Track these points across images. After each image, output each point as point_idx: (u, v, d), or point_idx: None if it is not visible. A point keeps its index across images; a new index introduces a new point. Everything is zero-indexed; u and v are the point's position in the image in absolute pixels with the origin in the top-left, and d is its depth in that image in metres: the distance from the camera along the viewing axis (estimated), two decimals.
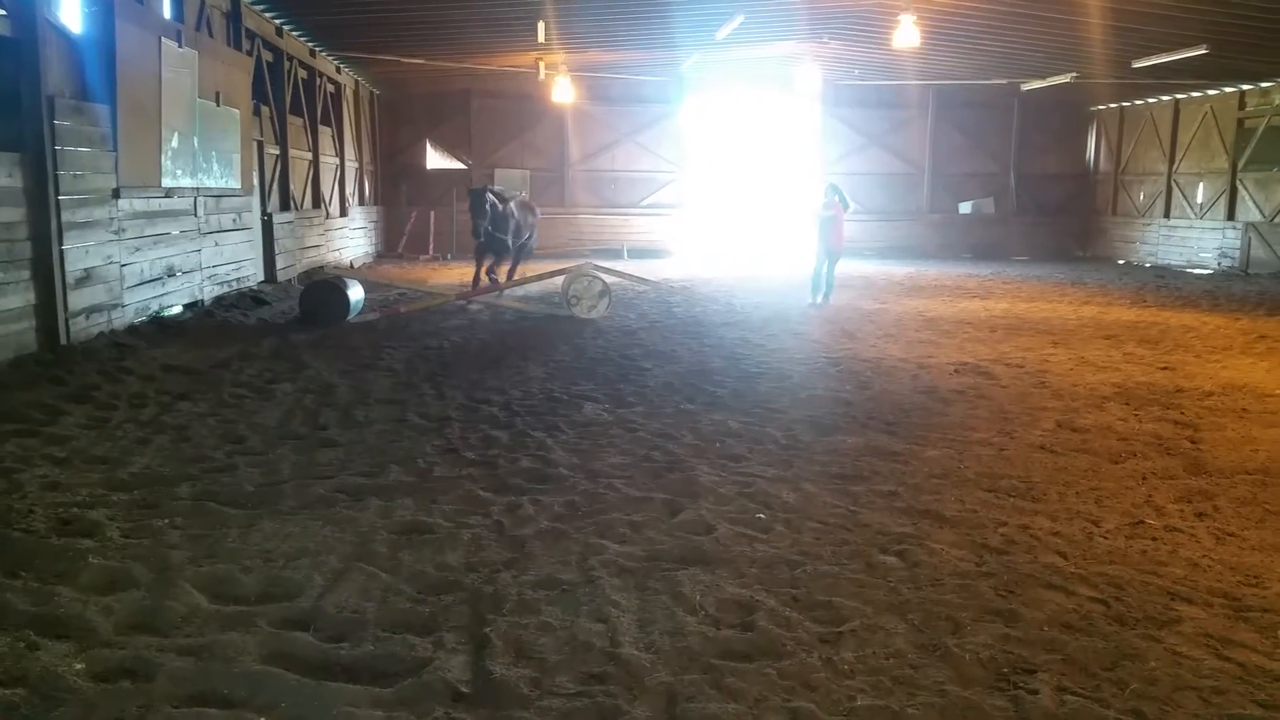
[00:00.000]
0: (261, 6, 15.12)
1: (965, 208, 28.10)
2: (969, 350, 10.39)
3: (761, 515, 4.93)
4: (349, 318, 11.58)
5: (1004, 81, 23.73)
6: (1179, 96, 24.64)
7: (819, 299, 14.49)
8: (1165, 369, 9.34)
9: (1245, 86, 22.86)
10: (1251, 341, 11.38)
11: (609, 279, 13.14)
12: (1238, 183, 23.66)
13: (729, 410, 7.29)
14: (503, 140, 26.43)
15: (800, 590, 4.01)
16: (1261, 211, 23.09)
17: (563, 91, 21.96)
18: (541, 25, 15.94)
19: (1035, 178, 28.28)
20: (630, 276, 15.14)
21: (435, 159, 26.06)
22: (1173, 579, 4.21)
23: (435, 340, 10.42)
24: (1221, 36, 16.77)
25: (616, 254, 24.23)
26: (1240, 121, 23.49)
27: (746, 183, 27.49)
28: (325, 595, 3.85)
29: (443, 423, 6.74)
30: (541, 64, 20.80)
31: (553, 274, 13.55)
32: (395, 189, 25.85)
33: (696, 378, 8.53)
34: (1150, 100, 25.67)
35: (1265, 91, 22.70)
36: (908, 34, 14.34)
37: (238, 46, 13.88)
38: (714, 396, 7.78)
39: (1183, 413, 7.44)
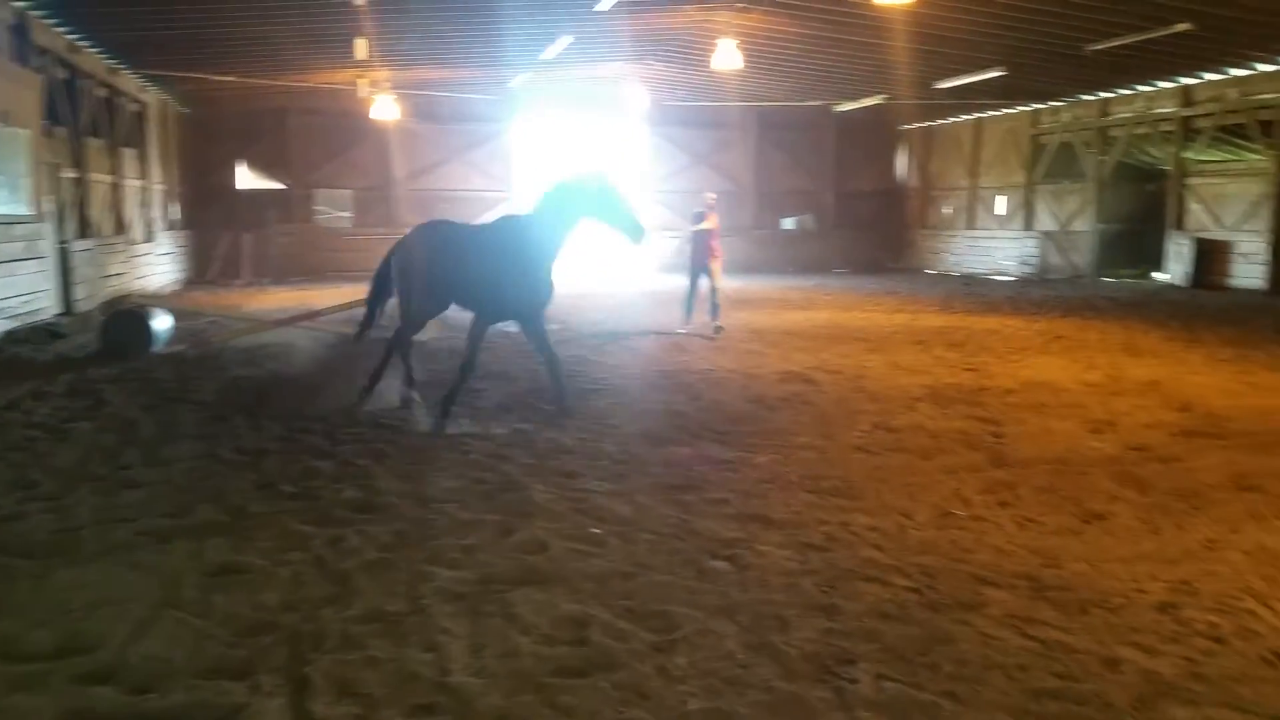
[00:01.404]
0: (53, 21, 14.14)
1: (788, 224, 29.20)
2: (793, 359, 10.75)
3: (596, 530, 4.92)
4: (154, 349, 10.87)
5: (820, 103, 24.89)
6: (979, 116, 26.43)
7: (690, 320, 13.04)
8: (970, 370, 9.95)
9: (1039, 106, 24.77)
10: (1048, 341, 12.27)
11: None
12: (1033, 195, 25.58)
13: (564, 428, 7.26)
14: (324, 159, 25.67)
15: (634, 601, 4.02)
16: (1056, 221, 25.02)
17: (385, 109, 21.51)
18: (361, 42, 15.59)
19: (851, 194, 29.71)
20: None
21: (250, 179, 25.01)
22: (979, 565, 4.46)
23: (251, 369, 9.93)
24: (1016, 59, 18.13)
25: None
26: (1035, 138, 25.42)
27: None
28: (129, 645, 3.58)
29: (259, 456, 6.41)
30: (362, 81, 20.31)
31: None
32: (206, 211, 24.59)
33: (532, 396, 8.48)
34: (953, 120, 27.42)
35: (1056, 111, 24.67)
36: (727, 57, 14.80)
37: (25, 63, 12.91)
38: (549, 415, 7.74)
39: (986, 410, 7.92)
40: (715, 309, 13.01)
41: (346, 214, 26.66)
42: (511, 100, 25.10)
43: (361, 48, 15.69)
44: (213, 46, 16.91)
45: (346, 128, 24.83)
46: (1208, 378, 9.41)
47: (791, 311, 16.41)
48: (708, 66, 17.06)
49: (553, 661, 3.50)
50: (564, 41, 16.35)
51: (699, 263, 13.29)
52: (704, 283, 13.16)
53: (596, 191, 7.44)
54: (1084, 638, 3.69)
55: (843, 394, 8.74)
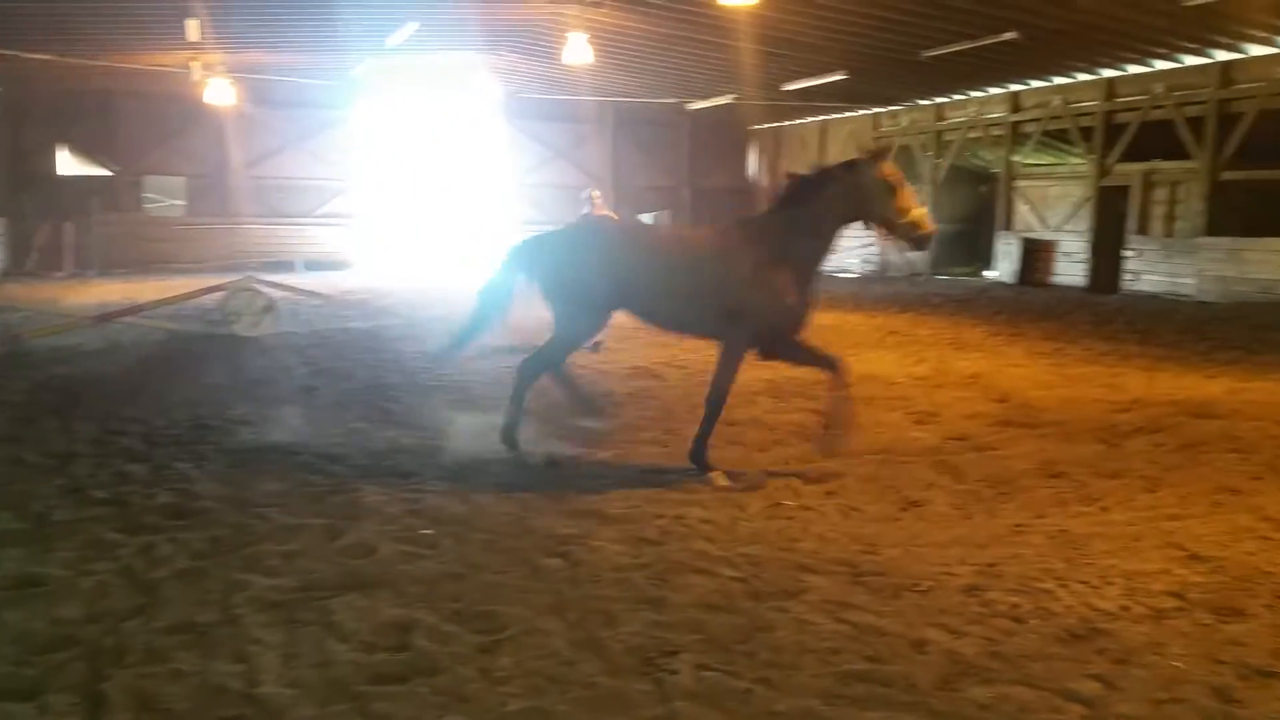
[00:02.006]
0: None
1: (645, 219, 29.49)
2: (643, 354, 10.85)
3: (428, 531, 4.84)
4: None
5: (674, 101, 25.21)
6: (824, 118, 27.32)
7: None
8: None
9: (879, 110, 25.79)
10: (884, 336, 12.80)
11: (274, 294, 12.42)
12: None
13: (402, 427, 7.11)
14: (154, 144, 24.34)
15: (462, 603, 3.96)
16: None
17: (219, 93, 20.53)
18: (193, 23, 14.83)
19: (707, 191, 30.24)
20: (300, 290, 14.41)
21: (72, 165, 23.45)
22: (804, 553, 4.60)
23: (66, 368, 9.31)
24: (857, 64, 18.82)
25: (291, 267, 23.02)
26: (876, 141, 26.39)
27: (432, 193, 27.04)
28: None
29: (67, 460, 6.01)
30: (195, 64, 19.33)
31: (207, 290, 12.50)
32: (23, 199, 22.92)
33: (369, 395, 8.27)
34: (801, 121, 28.25)
35: (895, 115, 25.73)
36: (579, 51, 14.79)
37: None
38: (387, 413, 7.57)
39: (821, 403, 8.15)
40: None
41: (178, 202, 25.37)
42: (356, 87, 24.35)
43: (193, 29, 14.95)
44: (23, 23, 15.74)
45: (178, 112, 23.60)
46: (1026, 370, 10.00)
47: None
48: (561, 60, 17.02)
49: (371, 669, 3.41)
50: (410, 28, 15.98)
51: None
52: None
53: (870, 184, 5.95)
54: (894, 621, 3.85)
55: (689, 389, 8.85)
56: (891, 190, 5.90)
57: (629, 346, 11.56)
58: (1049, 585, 4.23)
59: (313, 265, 23.85)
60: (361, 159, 26.08)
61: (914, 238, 6.00)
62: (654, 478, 5.88)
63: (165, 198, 25.36)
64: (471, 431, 6.74)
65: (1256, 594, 4.13)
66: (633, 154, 28.93)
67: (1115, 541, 4.79)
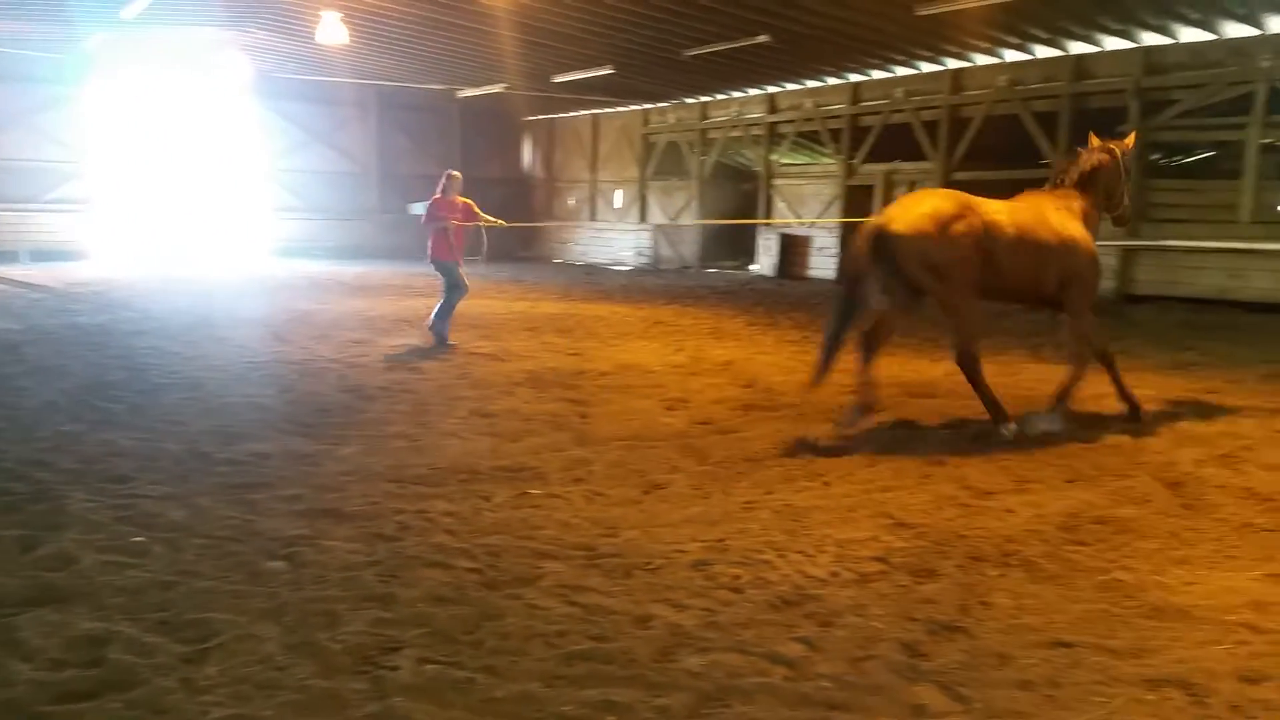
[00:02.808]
0: None
1: (417, 209, 28.69)
2: (401, 346, 10.59)
3: (139, 538, 4.49)
4: None
5: (441, 87, 24.68)
6: (596, 112, 27.67)
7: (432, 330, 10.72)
8: (573, 354, 10.37)
9: (648, 106, 26.38)
10: (649, 327, 13.12)
11: None
12: (646, 191, 27.23)
13: (122, 428, 6.57)
14: None
15: (169, 613, 3.70)
16: (666, 215, 26.82)
17: None
18: None
19: (480, 182, 29.71)
20: (19, 282, 13.09)
21: None
22: (544, 540, 4.63)
23: None
24: (624, 60, 19.14)
25: (14, 258, 20.88)
26: (645, 137, 27.04)
27: (177, 177, 25.07)
28: None
29: None
30: None
31: None
32: None
33: (88, 394, 7.60)
34: (574, 114, 28.46)
35: (663, 111, 26.40)
36: (333, 30, 14.21)
37: None
38: (106, 413, 6.98)
39: (580, 392, 8.29)
40: (440, 319, 10.77)
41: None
42: (90, 61, 22.30)
43: None
44: None
45: None
46: (773, 357, 10.53)
47: (412, 299, 16.16)
48: (315, 39, 16.29)
49: (57, 687, 3.13)
50: (144, 0, 14.82)
51: (434, 255, 10.88)
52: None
53: (1126, 167, 7.51)
54: (623, 599, 3.93)
55: (446, 381, 8.73)
56: (1129, 173, 7.40)
57: (390, 339, 11.27)
58: (769, 556, 4.46)
59: (39, 255, 21.70)
60: (98, 140, 23.84)
61: (1123, 217, 7.72)
62: (395, 473, 5.73)
63: None
64: (198, 430, 6.33)
65: (950, 556, 4.50)
66: (399, 140, 28.11)
67: (832, 513, 5.12)
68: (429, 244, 10.90)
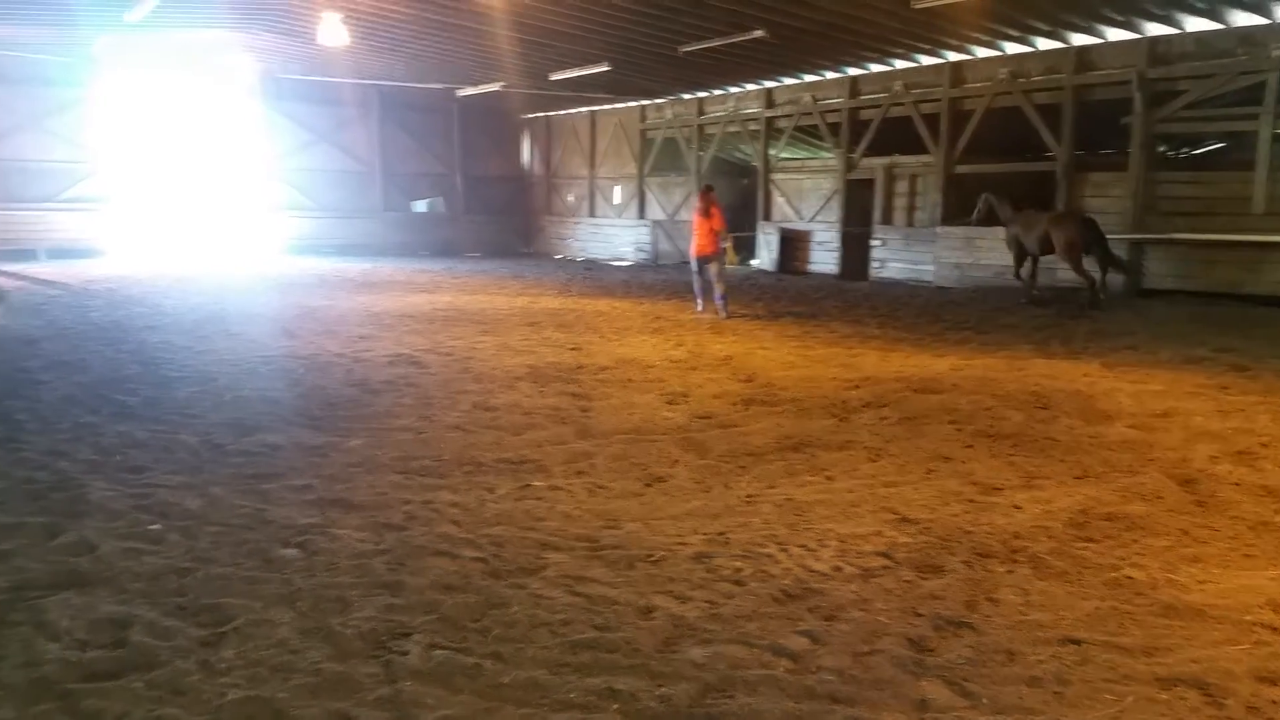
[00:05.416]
0: None
1: (420, 206, 28.93)
2: (406, 341, 10.72)
3: (156, 526, 4.63)
4: None
5: (441, 86, 24.80)
6: (594, 109, 27.75)
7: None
8: (574, 349, 10.50)
9: (645, 102, 26.45)
10: (649, 322, 13.23)
11: (5, 283, 11.41)
12: (645, 186, 27.32)
13: (138, 420, 6.73)
14: None
15: (187, 598, 3.84)
16: (664, 211, 26.90)
17: None
18: None
19: (480, 179, 30.00)
20: (38, 279, 13.26)
21: None
22: (548, 531, 4.75)
23: None
24: (620, 56, 19.23)
25: (33, 256, 21.06)
26: (643, 133, 27.12)
27: (186, 177, 25.40)
28: None
29: None
30: None
31: None
32: None
33: (105, 387, 7.75)
34: (571, 111, 28.54)
35: (660, 107, 26.47)
36: (334, 32, 14.32)
37: None
38: (123, 406, 7.13)
39: (581, 386, 8.41)
40: (723, 301, 13.89)
41: None
42: (98, 64, 22.49)
43: None
44: None
45: None
46: (773, 352, 10.63)
47: (415, 295, 16.30)
48: (317, 40, 16.40)
49: (82, 667, 3.27)
50: (149, 3, 14.90)
51: (693, 251, 14.03)
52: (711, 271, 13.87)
53: None
54: (625, 590, 4.04)
55: (449, 375, 8.86)
56: None
57: (395, 334, 11.42)
58: (771, 550, 4.52)
59: (56, 253, 21.91)
60: (111, 141, 24.06)
61: None
62: (402, 464, 5.86)
63: None
64: (212, 422, 6.47)
65: (956, 552, 4.51)
66: (401, 139, 28.26)
67: (835, 508, 5.17)
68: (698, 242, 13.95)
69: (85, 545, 4.36)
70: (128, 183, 24.40)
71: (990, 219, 16.27)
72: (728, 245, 13.96)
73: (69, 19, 17.26)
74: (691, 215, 13.94)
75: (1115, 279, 15.28)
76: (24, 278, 12.97)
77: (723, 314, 13.70)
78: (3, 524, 4.59)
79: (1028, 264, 15.74)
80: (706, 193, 14.28)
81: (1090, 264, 14.64)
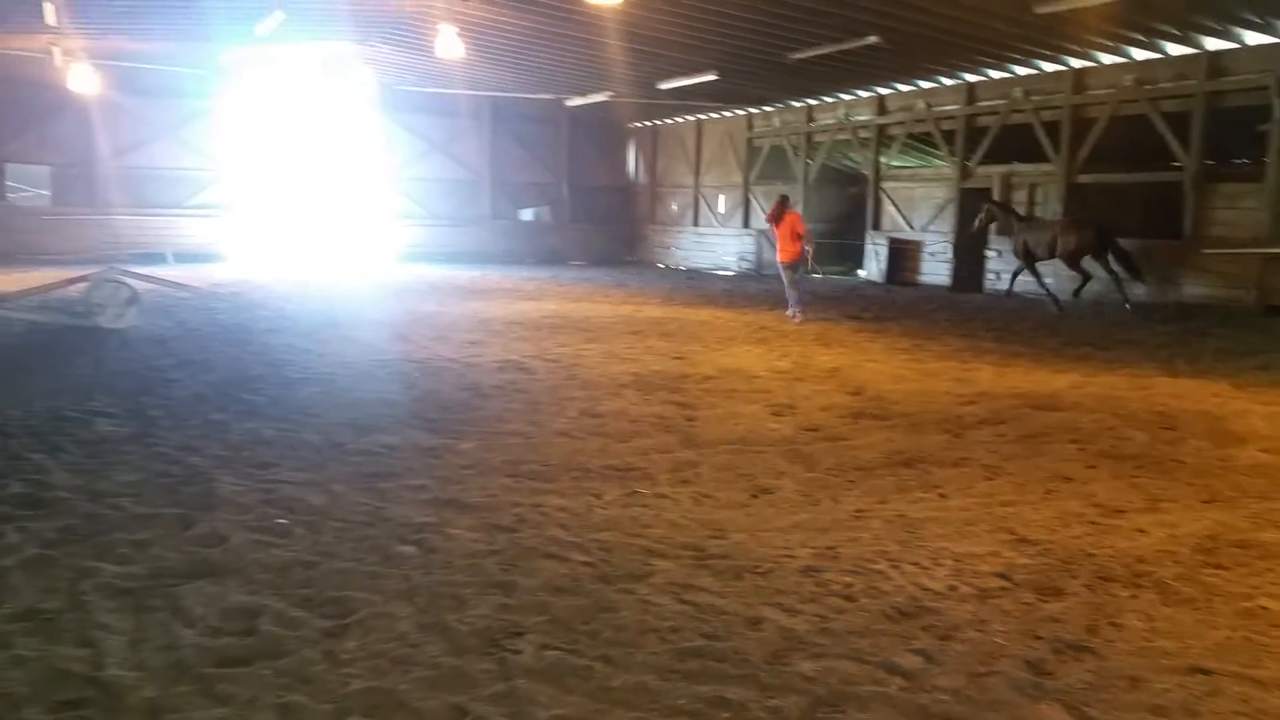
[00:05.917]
0: None
1: (527, 214, 29.48)
2: (514, 348, 10.94)
3: (282, 520, 4.84)
4: None
5: (551, 97, 25.24)
6: (700, 117, 27.79)
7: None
8: (678, 358, 10.53)
9: (752, 110, 26.38)
10: (753, 332, 13.19)
11: (139, 285, 12.05)
12: (750, 195, 27.22)
13: (264, 418, 7.04)
14: (16, 132, 23.12)
15: (312, 590, 4.00)
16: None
17: (83, 80, 19.67)
18: (49, 6, 14.16)
19: (586, 188, 30.39)
20: (167, 282, 14.00)
21: None
22: (654, 538, 4.78)
23: None
24: (728, 65, 19.25)
25: (161, 259, 22.22)
26: (750, 141, 27.03)
27: (308, 184, 26.39)
28: None
29: None
30: (56, 49, 18.44)
31: (70, 281, 12.11)
32: None
33: (232, 387, 8.14)
34: (677, 120, 28.67)
35: (768, 115, 26.36)
36: (450, 44, 14.73)
37: None
38: (250, 405, 7.48)
39: (685, 395, 8.43)
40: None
41: (45, 192, 24.19)
42: (227, 76, 23.65)
43: (50, 12, 14.27)
44: None
45: (42, 99, 22.41)
46: (883, 365, 10.47)
47: (522, 302, 16.61)
48: (434, 53, 16.90)
49: (216, 652, 3.44)
50: (276, 17, 15.61)
51: (779, 258, 15.02)
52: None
53: None
54: (733, 600, 4.03)
55: (556, 382, 9.01)
56: None
57: (503, 340, 11.67)
58: (882, 566, 4.44)
59: (183, 257, 23.09)
60: (235, 149, 25.25)
61: None
62: (512, 468, 5.98)
63: (30, 188, 24.19)
64: (333, 422, 6.73)
65: (1078, 575, 4.36)
66: (511, 149, 28.86)
67: (950, 526, 5.05)
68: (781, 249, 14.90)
69: (216, 536, 4.58)
70: (251, 190, 25.50)
71: (1002, 228, 16.84)
72: (809, 250, 15.10)
73: (202, 33, 18.20)
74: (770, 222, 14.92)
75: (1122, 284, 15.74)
76: (154, 280, 13.64)
77: (795, 319, 14.28)
78: (141, 514, 4.85)
79: (1034, 270, 16.56)
80: (782, 202, 14.98)
81: (1090, 265, 15.47)
